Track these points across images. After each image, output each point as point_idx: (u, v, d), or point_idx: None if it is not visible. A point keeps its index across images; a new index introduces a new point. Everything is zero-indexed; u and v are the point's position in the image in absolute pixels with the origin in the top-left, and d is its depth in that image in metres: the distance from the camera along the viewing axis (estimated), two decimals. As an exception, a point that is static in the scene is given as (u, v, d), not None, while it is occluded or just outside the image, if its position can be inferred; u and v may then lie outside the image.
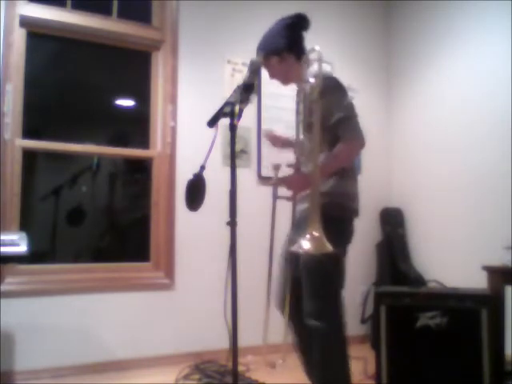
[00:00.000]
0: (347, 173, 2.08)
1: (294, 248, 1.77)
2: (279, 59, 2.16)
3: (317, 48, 1.95)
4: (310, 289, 2.05)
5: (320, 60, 1.93)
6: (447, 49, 3.84)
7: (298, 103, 2.21)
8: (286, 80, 2.25)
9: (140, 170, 3.84)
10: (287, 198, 2.11)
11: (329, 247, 1.72)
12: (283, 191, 2.13)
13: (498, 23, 3.43)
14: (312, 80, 1.95)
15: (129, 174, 4.09)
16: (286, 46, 2.15)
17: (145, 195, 3.57)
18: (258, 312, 3.10)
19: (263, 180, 3.70)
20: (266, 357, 3.08)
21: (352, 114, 2.01)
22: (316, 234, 1.72)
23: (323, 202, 1.91)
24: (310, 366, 2.16)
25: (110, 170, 4.01)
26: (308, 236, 1.73)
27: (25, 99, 3.16)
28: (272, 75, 2.24)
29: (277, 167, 2.17)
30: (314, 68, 2.02)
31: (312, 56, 2.01)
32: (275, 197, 2.16)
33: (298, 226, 2.10)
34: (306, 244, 1.73)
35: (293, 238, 2.12)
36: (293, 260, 2.09)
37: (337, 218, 2.01)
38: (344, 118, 1.97)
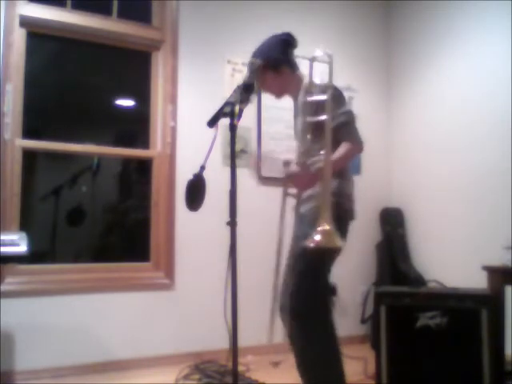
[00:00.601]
0: (346, 174, 2.13)
1: (304, 243, 1.78)
2: (275, 73, 2.18)
3: (318, 53, 1.96)
4: (296, 285, 2.05)
5: (331, 62, 1.94)
6: (447, 49, 3.84)
7: (303, 104, 2.21)
8: (280, 93, 2.28)
9: (140, 170, 3.84)
10: (294, 196, 2.14)
11: (338, 243, 1.75)
12: (290, 189, 2.14)
13: (498, 23, 3.43)
14: (322, 81, 1.99)
15: (129, 174, 4.08)
16: (283, 59, 2.18)
17: (145, 195, 3.57)
18: (258, 312, 3.10)
19: (263, 180, 3.70)
20: (270, 356, 3.08)
21: (352, 120, 2.06)
22: (327, 227, 1.74)
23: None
24: (301, 366, 2.16)
25: (110, 169, 4.01)
26: (320, 229, 1.74)
27: (25, 99, 3.15)
28: (265, 88, 2.25)
29: (287, 163, 2.19)
30: (319, 72, 2.04)
31: (321, 58, 2.02)
32: (285, 194, 2.17)
33: (300, 227, 2.10)
34: (317, 237, 1.74)
35: (295, 236, 2.13)
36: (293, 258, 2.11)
37: (338, 218, 2.02)
38: (344, 123, 2.03)
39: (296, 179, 2.07)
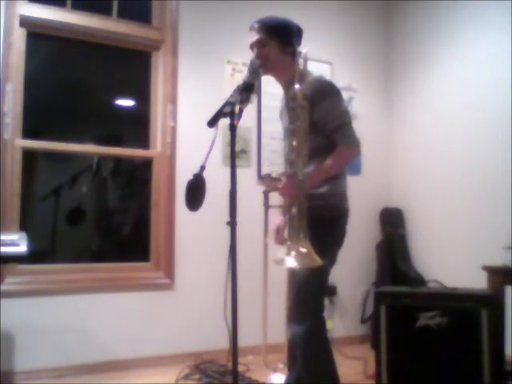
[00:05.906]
0: (340, 173, 2.09)
1: (281, 263, 1.74)
2: (280, 48, 2.09)
3: (305, 51, 1.93)
4: (295, 292, 2.05)
5: (306, 62, 1.89)
6: (447, 48, 3.84)
7: (287, 109, 2.12)
8: (270, 68, 2.11)
9: (140, 170, 3.83)
10: (280, 207, 2.09)
11: (318, 261, 1.68)
12: (276, 199, 2.10)
13: (498, 23, 3.43)
14: (298, 86, 1.88)
15: (129, 174, 4.08)
16: (293, 41, 2.12)
17: (145, 195, 3.57)
18: (258, 312, 3.10)
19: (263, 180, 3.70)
20: (270, 356, 3.08)
21: (349, 121, 2.03)
22: (303, 249, 1.67)
23: (318, 204, 1.92)
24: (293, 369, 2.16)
25: (110, 169, 4.00)
26: (294, 253, 1.69)
27: (25, 99, 3.16)
28: (260, 55, 2.09)
29: (267, 176, 2.16)
30: (303, 71, 1.97)
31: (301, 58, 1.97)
32: (267, 206, 2.14)
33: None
34: (291, 262, 1.68)
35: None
36: None
37: (333, 219, 2.01)
38: (342, 125, 1.99)
39: (283, 191, 2.02)
